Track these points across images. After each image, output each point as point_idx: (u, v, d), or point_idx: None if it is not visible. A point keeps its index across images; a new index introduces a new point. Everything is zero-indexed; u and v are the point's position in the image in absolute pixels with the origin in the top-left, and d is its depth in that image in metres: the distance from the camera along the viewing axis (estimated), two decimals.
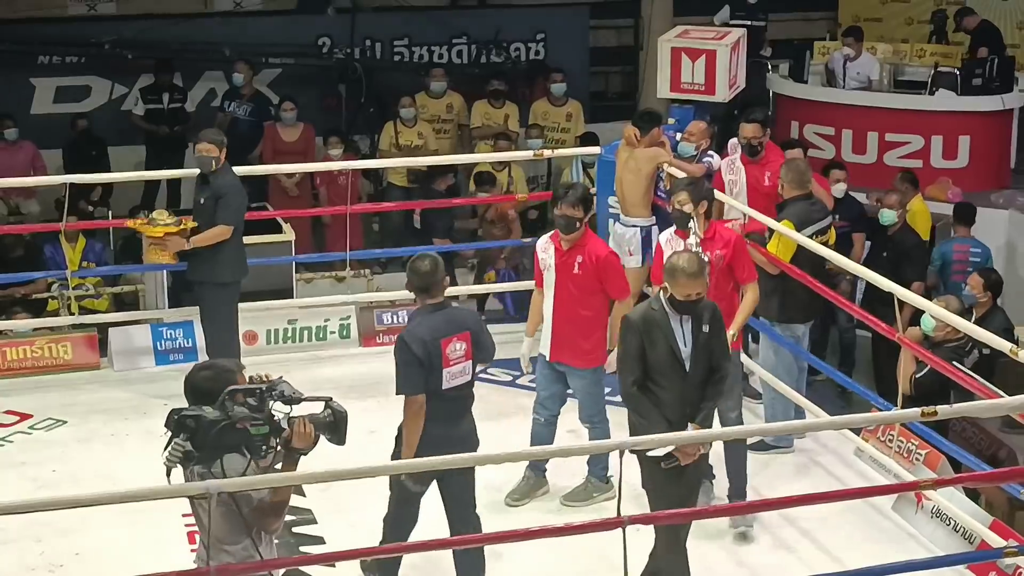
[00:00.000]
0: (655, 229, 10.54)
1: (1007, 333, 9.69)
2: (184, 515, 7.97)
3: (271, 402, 5.64)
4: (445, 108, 15.28)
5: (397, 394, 7.33)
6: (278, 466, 5.75)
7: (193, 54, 16.03)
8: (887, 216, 11.61)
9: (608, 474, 8.69)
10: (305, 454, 5.71)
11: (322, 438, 5.77)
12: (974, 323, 9.07)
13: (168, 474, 5.60)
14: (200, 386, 5.78)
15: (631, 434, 7.29)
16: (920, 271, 11.68)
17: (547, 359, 8.70)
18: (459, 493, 7.48)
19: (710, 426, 7.44)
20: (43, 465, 9.10)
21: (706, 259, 8.05)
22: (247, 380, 5.77)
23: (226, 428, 5.55)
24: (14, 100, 15.57)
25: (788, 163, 9.91)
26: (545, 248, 8.69)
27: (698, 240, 8.43)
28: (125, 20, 16.62)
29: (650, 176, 10.59)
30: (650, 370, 7.29)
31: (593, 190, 10.90)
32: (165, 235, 9.92)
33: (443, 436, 7.24)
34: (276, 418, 5.65)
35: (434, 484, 7.46)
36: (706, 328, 7.30)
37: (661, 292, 7.33)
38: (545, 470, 8.86)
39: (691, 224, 8.52)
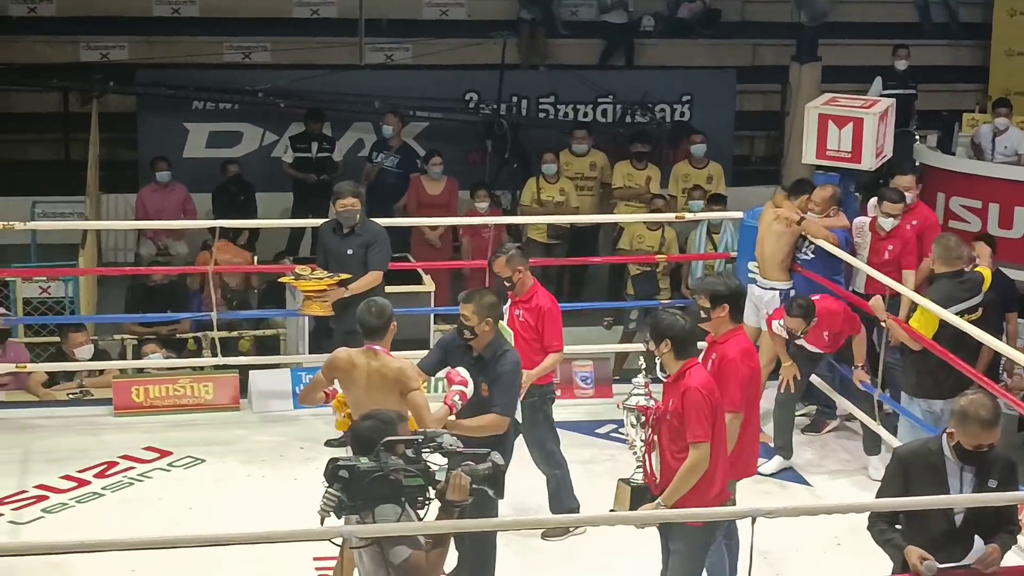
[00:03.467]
0: (792, 293, 10.52)
1: None
2: (315, 559, 8.11)
3: (428, 454, 5.67)
4: (588, 166, 15.35)
5: (502, 413, 7.77)
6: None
7: (343, 105, 16.30)
8: None
9: None
10: (460, 507, 5.69)
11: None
12: None
13: (322, 522, 5.65)
14: (362, 435, 5.84)
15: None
16: None
17: None
18: None
19: None
20: (181, 502, 9.26)
21: (649, 403, 7.50)
22: (409, 432, 5.81)
23: (379, 479, 5.57)
24: (168, 143, 15.97)
25: (938, 239, 9.81)
26: None
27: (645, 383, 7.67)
28: (279, 69, 16.99)
29: (791, 241, 10.58)
30: (911, 517, 6.51)
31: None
32: (328, 287, 10.07)
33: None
34: (432, 470, 5.65)
35: None
36: (993, 484, 6.43)
37: (946, 436, 6.50)
38: None
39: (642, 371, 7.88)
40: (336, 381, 7.85)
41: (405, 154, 15.31)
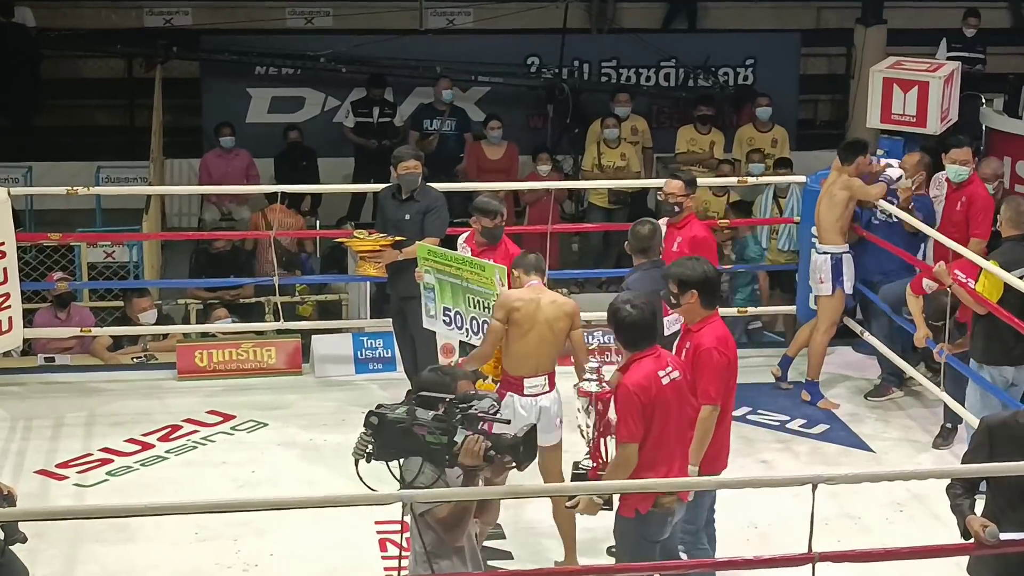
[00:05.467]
0: (847, 257, 10.41)
1: None
2: (377, 522, 8.17)
3: (457, 414, 5.59)
4: (630, 131, 15.19)
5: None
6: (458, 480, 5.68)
7: (405, 70, 16.31)
8: None
9: None
10: (475, 472, 5.60)
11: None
12: None
13: (356, 464, 5.64)
14: (420, 386, 5.86)
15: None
16: None
17: None
18: None
19: None
20: (243, 466, 9.33)
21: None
22: (469, 390, 5.78)
23: (402, 431, 5.54)
24: (231, 108, 16.05)
25: (1008, 201, 9.67)
26: None
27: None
28: (341, 34, 17.01)
29: (843, 203, 10.44)
30: (996, 493, 6.29)
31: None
32: (381, 247, 10.05)
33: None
34: (455, 431, 5.56)
35: None
36: None
37: None
38: None
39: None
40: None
41: (459, 116, 15.27)
